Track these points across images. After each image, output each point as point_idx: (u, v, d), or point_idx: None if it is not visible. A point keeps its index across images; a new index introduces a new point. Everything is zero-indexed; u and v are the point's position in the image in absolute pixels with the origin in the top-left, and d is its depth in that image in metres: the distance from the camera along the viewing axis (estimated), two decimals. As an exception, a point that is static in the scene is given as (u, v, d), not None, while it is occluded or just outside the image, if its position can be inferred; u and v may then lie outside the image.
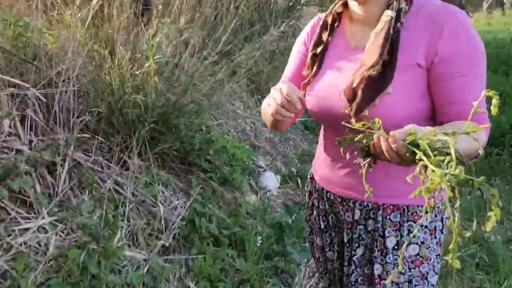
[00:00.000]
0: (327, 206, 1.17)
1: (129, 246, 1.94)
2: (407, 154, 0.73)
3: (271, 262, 2.36)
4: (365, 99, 0.93)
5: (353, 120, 0.90)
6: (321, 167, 1.17)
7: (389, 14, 0.95)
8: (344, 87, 0.99)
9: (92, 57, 2.36)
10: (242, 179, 2.76)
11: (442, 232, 1.07)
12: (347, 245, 1.11)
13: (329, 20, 1.08)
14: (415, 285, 1.03)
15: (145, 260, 1.95)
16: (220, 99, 2.79)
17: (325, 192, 1.16)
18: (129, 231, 2.02)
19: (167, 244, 2.13)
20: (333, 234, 1.18)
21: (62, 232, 1.75)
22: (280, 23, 3.16)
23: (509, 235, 2.96)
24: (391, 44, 0.93)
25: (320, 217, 1.19)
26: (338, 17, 1.07)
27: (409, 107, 0.95)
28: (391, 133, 0.75)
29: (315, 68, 1.07)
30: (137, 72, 2.35)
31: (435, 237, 1.05)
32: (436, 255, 1.07)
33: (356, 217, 1.08)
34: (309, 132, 4.70)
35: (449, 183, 0.63)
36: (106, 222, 1.82)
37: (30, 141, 2.00)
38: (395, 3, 0.95)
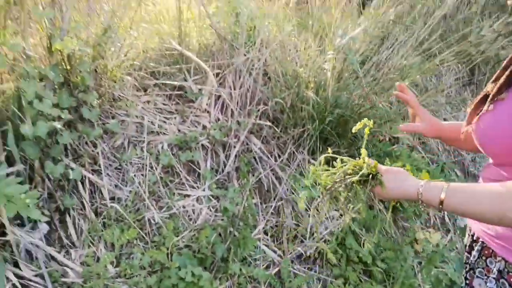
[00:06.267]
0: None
1: (266, 242, 1.92)
2: None
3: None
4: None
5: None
6: None
7: None
8: None
9: (283, 45, 2.39)
10: (421, 210, 2.24)
11: None
12: None
13: None
14: None
15: (278, 262, 1.89)
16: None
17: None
18: (272, 228, 2.00)
19: (307, 254, 2.00)
20: None
21: (213, 208, 1.91)
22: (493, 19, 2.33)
23: None
24: None
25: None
26: None
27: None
28: None
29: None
30: (325, 67, 2.22)
31: None
32: None
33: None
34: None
35: None
36: (249, 211, 1.85)
37: (217, 120, 2.24)
38: None
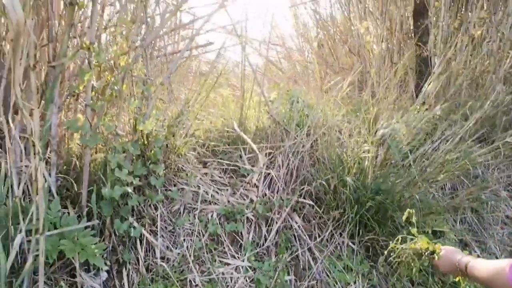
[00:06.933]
0: None
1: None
2: None
3: None
4: None
5: None
6: None
7: None
8: None
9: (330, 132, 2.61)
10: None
11: None
12: None
13: None
14: None
15: None
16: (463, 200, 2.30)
17: None
18: (304, 306, 2.05)
19: None
20: None
21: (249, 278, 2.05)
22: None
23: None
24: None
25: None
26: None
27: None
28: None
29: None
30: (366, 155, 2.37)
31: None
32: None
33: None
34: None
35: None
36: (281, 285, 1.96)
37: (264, 195, 2.47)
38: None
